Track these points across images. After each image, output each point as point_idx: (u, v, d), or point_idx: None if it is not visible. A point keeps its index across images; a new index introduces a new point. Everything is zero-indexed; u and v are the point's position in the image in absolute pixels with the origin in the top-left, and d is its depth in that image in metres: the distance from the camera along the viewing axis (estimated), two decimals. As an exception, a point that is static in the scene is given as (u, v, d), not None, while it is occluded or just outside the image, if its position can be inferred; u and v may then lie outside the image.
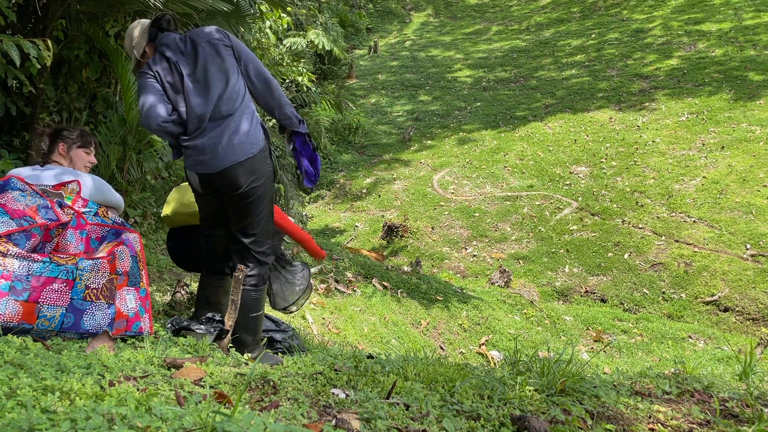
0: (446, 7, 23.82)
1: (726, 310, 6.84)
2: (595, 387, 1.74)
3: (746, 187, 8.65)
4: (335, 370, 1.73)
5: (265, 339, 3.09)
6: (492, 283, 7.70)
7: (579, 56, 16.11)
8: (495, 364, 4.47)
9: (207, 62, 2.46)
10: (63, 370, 1.52)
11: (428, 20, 23.01)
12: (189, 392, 1.44)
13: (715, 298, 6.99)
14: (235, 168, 2.46)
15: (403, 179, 11.82)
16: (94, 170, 2.97)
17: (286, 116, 2.63)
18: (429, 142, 13.29)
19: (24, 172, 2.57)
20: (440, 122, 14.23)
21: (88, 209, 2.46)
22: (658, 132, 11.06)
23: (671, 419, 1.59)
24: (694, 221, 8.33)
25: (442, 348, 5.30)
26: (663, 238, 8.22)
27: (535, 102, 14.07)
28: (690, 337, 6.17)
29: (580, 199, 9.69)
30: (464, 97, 15.51)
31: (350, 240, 9.83)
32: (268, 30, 9.75)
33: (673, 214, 8.63)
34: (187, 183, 2.78)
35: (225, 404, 1.38)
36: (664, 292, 7.36)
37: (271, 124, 8.06)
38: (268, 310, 3.29)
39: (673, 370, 2.22)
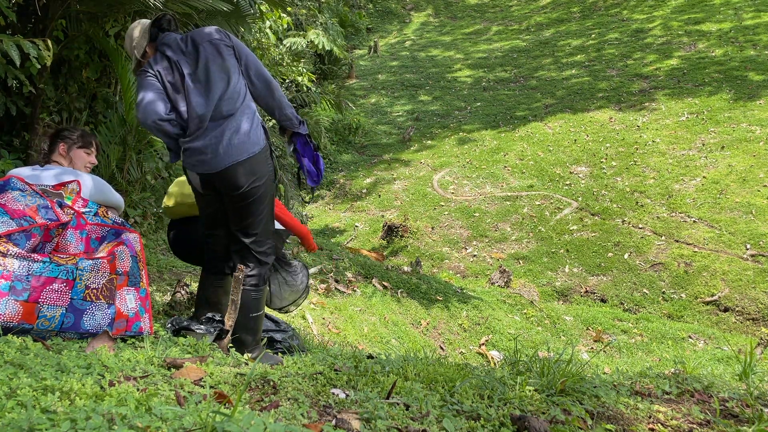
0: (446, 7, 23.83)
1: (726, 310, 6.84)
2: (595, 387, 1.74)
3: (746, 187, 8.65)
4: (335, 370, 1.73)
5: (265, 339, 3.09)
6: (492, 283, 7.70)
7: (579, 56, 16.12)
8: (495, 364, 4.47)
9: (208, 62, 2.46)
10: (63, 370, 1.52)
11: (428, 20, 23.01)
12: (189, 392, 1.44)
13: (715, 298, 7.00)
14: (236, 167, 2.45)
15: (403, 179, 11.82)
16: (94, 170, 2.98)
17: (287, 117, 2.63)
18: (429, 142, 13.29)
19: (24, 172, 2.57)
20: (440, 122, 14.23)
21: (88, 209, 2.47)
22: (658, 132, 11.06)
23: (671, 419, 1.59)
24: (694, 221, 8.33)
25: (442, 348, 5.30)
26: (663, 238, 8.22)
27: (535, 102, 14.07)
28: (690, 337, 6.17)
29: (580, 199, 9.69)
30: (464, 97, 15.51)
31: (350, 240, 9.83)
32: (268, 30, 9.75)
33: (673, 214, 8.63)
34: None
35: (225, 404, 1.38)
36: (664, 292, 7.36)
37: (271, 124, 8.06)
38: (267, 310, 3.30)
39: (673, 370, 2.22)
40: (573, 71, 15.27)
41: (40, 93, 4.43)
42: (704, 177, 9.21)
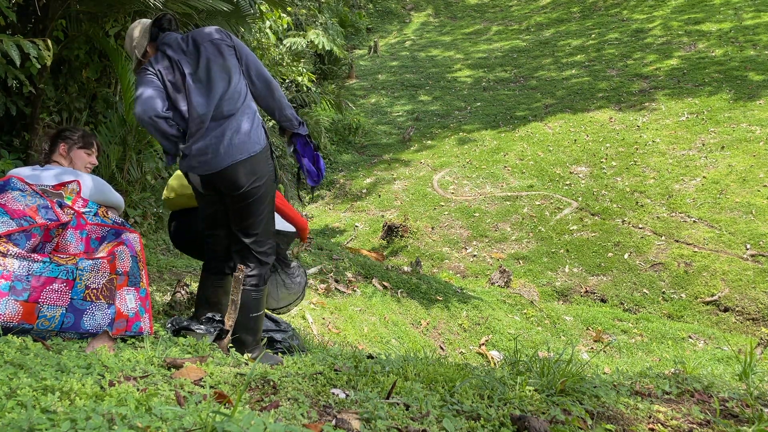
0: (446, 7, 23.83)
1: (726, 310, 6.84)
2: (595, 387, 1.74)
3: (746, 187, 8.65)
4: (335, 370, 1.73)
5: (265, 339, 3.09)
6: (492, 283, 7.70)
7: (579, 56, 16.12)
8: (495, 364, 4.47)
9: (209, 62, 2.46)
10: (63, 370, 1.52)
11: (428, 20, 23.01)
12: (189, 392, 1.44)
13: (715, 298, 7.00)
14: (237, 167, 2.45)
15: (403, 179, 11.82)
16: (94, 171, 2.98)
17: (287, 118, 2.63)
18: (429, 142, 13.29)
19: (24, 172, 2.57)
20: (440, 122, 14.23)
21: (88, 209, 2.47)
22: (658, 132, 11.06)
23: (671, 419, 1.59)
24: (694, 221, 8.34)
25: (442, 348, 5.30)
26: (663, 238, 8.22)
27: (535, 102, 14.07)
28: (690, 337, 6.17)
29: (580, 199, 9.69)
30: (464, 97, 15.51)
31: (350, 240, 9.83)
32: (268, 30, 9.75)
33: (673, 214, 8.63)
34: None
35: (225, 404, 1.38)
36: (664, 292, 7.36)
37: (270, 124, 8.06)
38: (267, 310, 3.29)
39: (673, 370, 2.22)
40: (573, 71, 15.27)
41: (40, 93, 4.43)
42: (704, 177, 9.21)
